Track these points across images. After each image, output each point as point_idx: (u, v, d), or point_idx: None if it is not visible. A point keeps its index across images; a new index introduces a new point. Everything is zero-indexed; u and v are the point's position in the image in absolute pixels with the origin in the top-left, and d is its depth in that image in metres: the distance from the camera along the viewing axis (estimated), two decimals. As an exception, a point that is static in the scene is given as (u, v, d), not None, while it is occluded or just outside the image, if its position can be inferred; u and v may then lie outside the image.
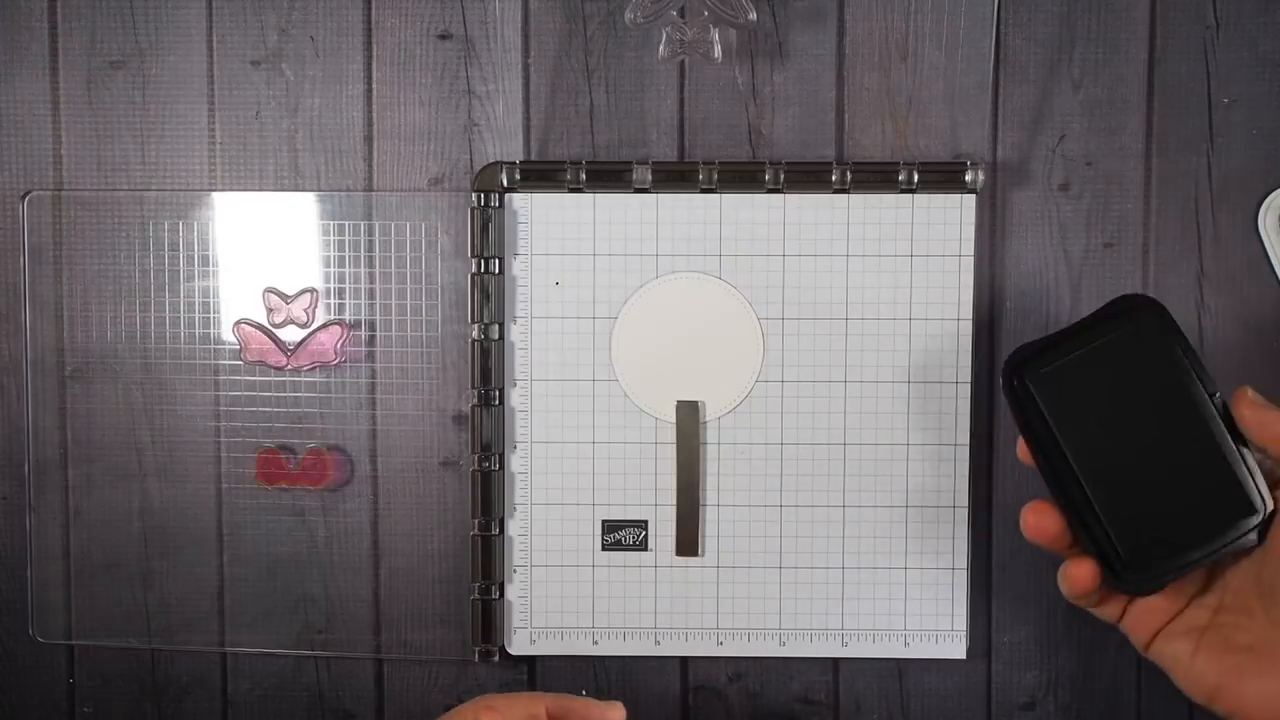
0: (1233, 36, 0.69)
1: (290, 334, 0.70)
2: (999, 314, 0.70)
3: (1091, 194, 0.70)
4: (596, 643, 0.70)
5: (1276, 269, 0.69)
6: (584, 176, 0.68)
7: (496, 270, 0.69)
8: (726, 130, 0.70)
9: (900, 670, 0.71)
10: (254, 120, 0.70)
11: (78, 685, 0.72)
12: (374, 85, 0.70)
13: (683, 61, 0.69)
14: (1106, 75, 0.69)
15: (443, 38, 0.70)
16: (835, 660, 0.71)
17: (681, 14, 0.66)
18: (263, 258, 0.70)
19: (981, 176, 0.68)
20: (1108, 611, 0.61)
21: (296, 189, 0.70)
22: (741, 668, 0.71)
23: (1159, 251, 0.70)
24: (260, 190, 0.70)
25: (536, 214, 0.69)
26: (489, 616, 0.70)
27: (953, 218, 0.69)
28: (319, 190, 0.70)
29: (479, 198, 0.68)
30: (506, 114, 0.70)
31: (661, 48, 0.67)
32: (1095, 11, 0.69)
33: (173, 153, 0.71)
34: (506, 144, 0.70)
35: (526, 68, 0.70)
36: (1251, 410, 0.57)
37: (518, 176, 0.69)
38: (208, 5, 0.70)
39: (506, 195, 0.69)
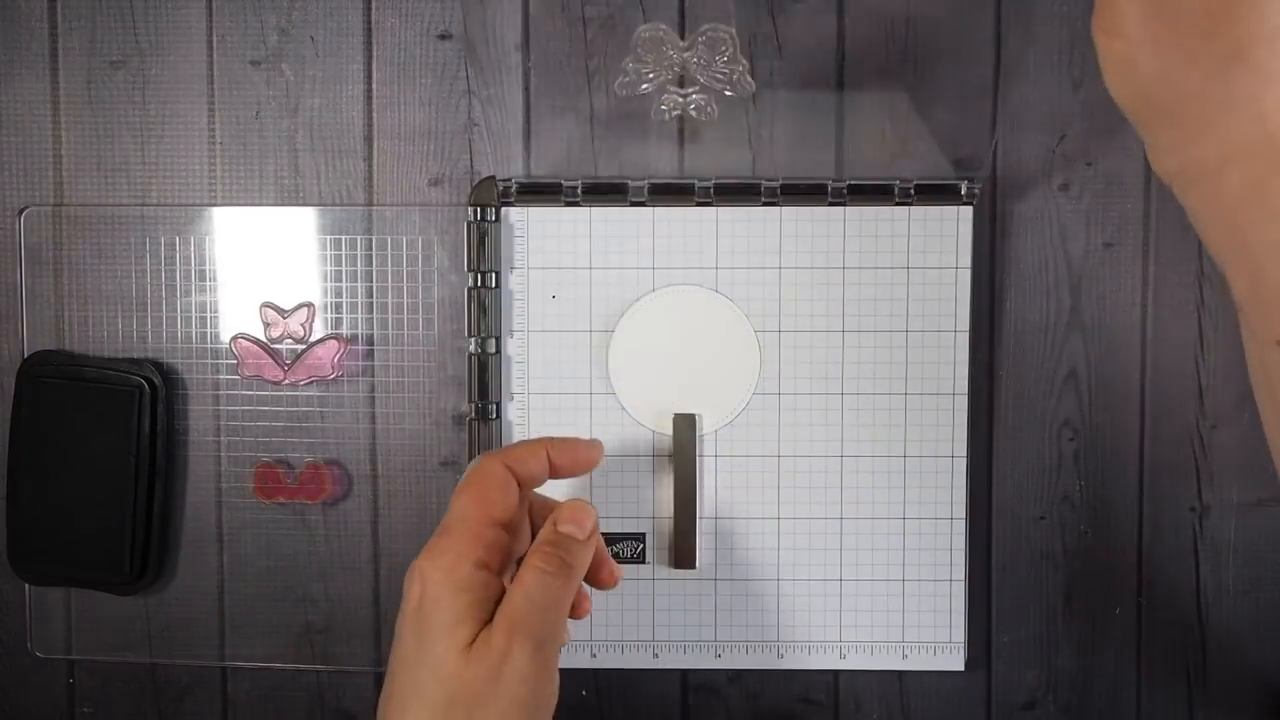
0: (1235, 37, 0.68)
1: (287, 348, 0.70)
2: (998, 316, 0.69)
3: (1091, 194, 0.69)
4: (594, 655, 0.71)
5: (1277, 269, 0.69)
6: (580, 191, 0.68)
7: (493, 284, 0.69)
8: (726, 130, 0.69)
9: (900, 670, 0.72)
10: (254, 120, 0.70)
11: (77, 685, 0.73)
12: (374, 85, 0.70)
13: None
14: (1107, 75, 0.69)
15: (443, 38, 0.70)
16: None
17: (680, 84, 0.66)
18: (260, 272, 0.70)
19: (978, 190, 0.68)
20: None
21: (296, 189, 0.70)
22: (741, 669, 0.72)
23: (1159, 251, 0.69)
24: (261, 191, 0.70)
25: (533, 228, 0.69)
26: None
27: (949, 230, 0.68)
28: (320, 190, 0.70)
29: (475, 212, 0.68)
30: (506, 114, 0.69)
31: (653, 113, 0.67)
32: (1096, 11, 0.69)
33: (173, 152, 0.70)
34: (506, 144, 0.69)
35: (526, 69, 0.69)
36: None
37: (514, 189, 0.68)
38: (208, 5, 0.70)
39: (503, 209, 0.69)
